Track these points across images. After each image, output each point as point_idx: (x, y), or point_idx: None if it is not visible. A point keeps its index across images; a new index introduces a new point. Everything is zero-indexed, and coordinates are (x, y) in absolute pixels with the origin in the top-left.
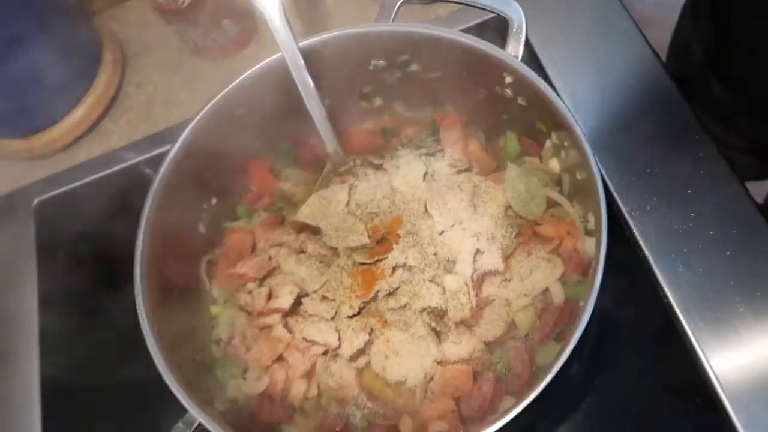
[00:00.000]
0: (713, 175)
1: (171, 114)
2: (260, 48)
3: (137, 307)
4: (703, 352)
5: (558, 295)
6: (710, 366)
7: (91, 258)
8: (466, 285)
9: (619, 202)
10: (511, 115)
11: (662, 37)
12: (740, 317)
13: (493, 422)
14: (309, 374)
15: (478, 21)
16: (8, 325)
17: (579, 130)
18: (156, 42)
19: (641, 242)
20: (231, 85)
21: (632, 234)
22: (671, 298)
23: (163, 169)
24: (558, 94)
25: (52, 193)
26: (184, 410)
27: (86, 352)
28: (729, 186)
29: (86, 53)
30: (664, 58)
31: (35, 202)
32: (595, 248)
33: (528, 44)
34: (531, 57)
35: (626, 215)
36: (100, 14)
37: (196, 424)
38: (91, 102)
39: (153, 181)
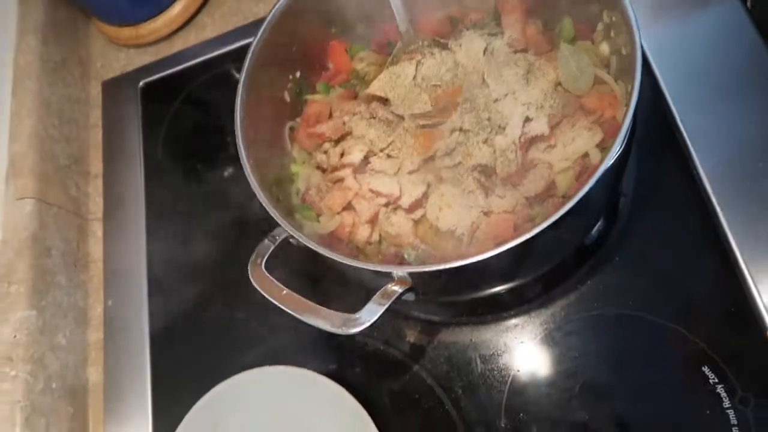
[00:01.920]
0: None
1: (258, 8)
2: None
3: (237, 146)
4: (726, 218)
5: (595, 157)
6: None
7: (189, 132)
8: (514, 144)
9: (668, 96)
10: (567, 2)
11: None
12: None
13: (529, 230)
14: (372, 221)
15: None
16: (120, 192)
17: (627, 3)
18: None
19: (680, 123)
20: None
21: (675, 122)
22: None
23: (254, 45)
24: None
25: (156, 77)
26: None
27: (188, 208)
28: None
29: None
30: None
31: (141, 83)
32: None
33: None
34: None
35: (670, 104)
36: None
37: (281, 238)
38: None
39: (247, 53)
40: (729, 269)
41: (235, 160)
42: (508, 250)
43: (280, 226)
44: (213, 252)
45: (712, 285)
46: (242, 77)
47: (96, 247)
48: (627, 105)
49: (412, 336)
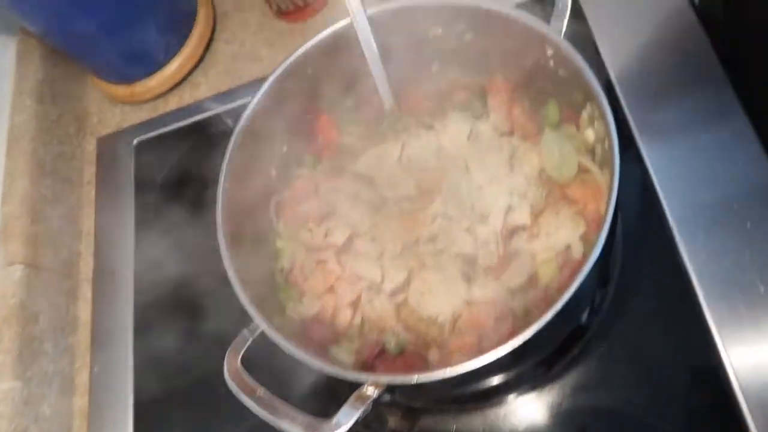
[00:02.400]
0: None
1: (253, 69)
2: (335, 12)
3: (217, 231)
4: (719, 333)
5: (577, 250)
6: (724, 346)
7: (181, 191)
8: (496, 236)
9: (651, 171)
10: (553, 85)
11: None
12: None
13: (508, 341)
14: (354, 304)
15: None
16: (110, 253)
17: (604, 99)
18: (244, 2)
19: (667, 212)
20: (304, 47)
21: (659, 202)
22: (689, 268)
23: (243, 119)
24: (602, 57)
25: (150, 135)
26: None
27: (178, 273)
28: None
29: (185, 9)
30: None
31: (135, 141)
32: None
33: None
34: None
35: (655, 182)
36: None
37: (258, 332)
38: (186, 54)
39: (235, 127)
40: (713, 364)
41: None
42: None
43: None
44: (201, 318)
45: (695, 381)
46: (224, 163)
47: (85, 309)
48: (606, 204)
49: (393, 422)
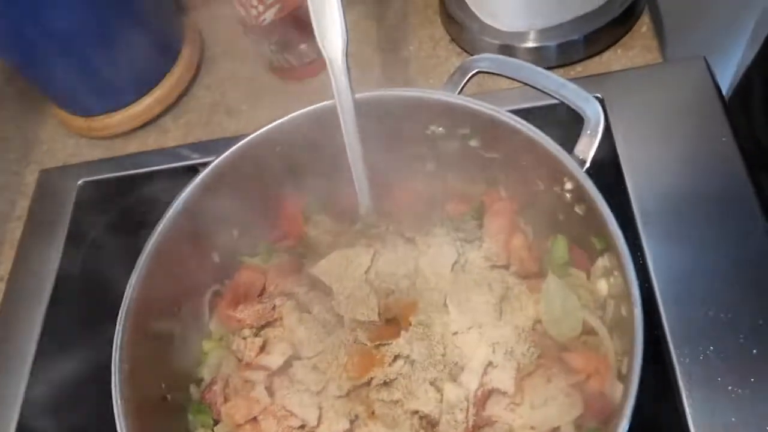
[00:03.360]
0: None
1: (229, 123)
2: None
3: (116, 333)
4: None
5: None
6: None
7: (115, 249)
8: (467, 401)
9: (670, 345)
10: (566, 218)
11: None
12: None
13: None
14: None
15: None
16: (18, 312)
17: (631, 267)
18: (236, 50)
19: (684, 397)
20: (278, 121)
21: (676, 384)
22: None
23: (189, 188)
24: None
25: (97, 177)
26: None
27: (85, 356)
28: None
29: (167, 46)
30: None
31: (80, 181)
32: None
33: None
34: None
35: (674, 361)
36: (190, 9)
37: None
38: (157, 96)
39: (178, 195)
40: None
41: None
42: None
43: None
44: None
45: None
46: (153, 236)
47: None
48: (625, 395)
49: None
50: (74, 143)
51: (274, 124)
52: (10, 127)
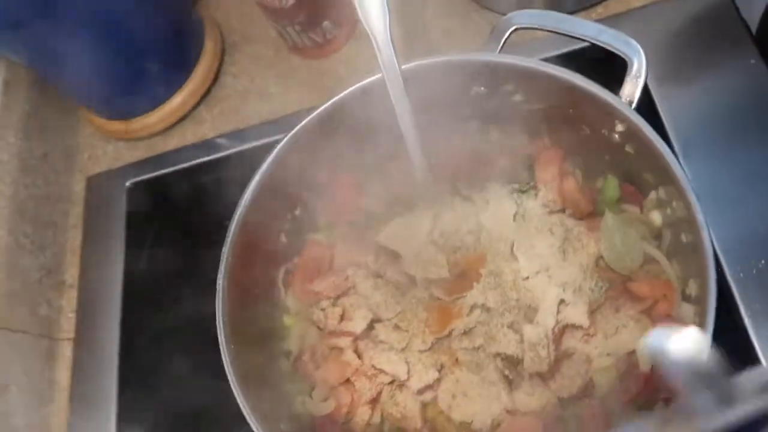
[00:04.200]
0: None
1: (262, 108)
2: (355, 51)
3: (217, 315)
4: None
5: (645, 361)
6: None
7: (178, 243)
8: (547, 338)
9: (723, 263)
10: (614, 158)
11: None
12: None
13: None
14: (374, 401)
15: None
16: (94, 309)
17: (694, 198)
18: (255, 34)
19: (742, 309)
20: (330, 101)
21: (733, 299)
22: None
23: (256, 179)
24: (669, 141)
25: (145, 177)
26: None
27: (169, 335)
28: None
29: (190, 41)
30: None
31: (128, 183)
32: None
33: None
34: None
35: (729, 278)
36: (205, 1)
37: None
38: (190, 89)
39: (246, 188)
40: None
41: None
42: None
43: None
44: (194, 391)
45: None
46: (232, 227)
47: (65, 373)
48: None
49: None
50: (114, 148)
51: (328, 103)
52: (50, 140)
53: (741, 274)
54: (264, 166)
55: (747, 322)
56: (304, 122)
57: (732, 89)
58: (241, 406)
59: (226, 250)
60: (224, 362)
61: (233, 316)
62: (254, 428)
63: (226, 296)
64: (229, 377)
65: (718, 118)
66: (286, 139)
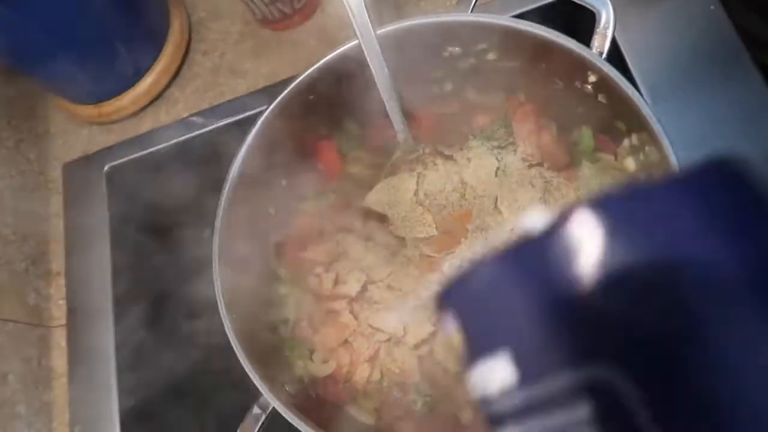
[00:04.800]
0: None
1: (237, 84)
2: (324, 19)
3: (215, 287)
4: None
5: None
6: None
7: (163, 222)
8: None
9: None
10: (587, 110)
11: None
12: None
13: None
14: (372, 359)
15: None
16: (84, 293)
17: (667, 142)
18: (221, 10)
19: None
20: (309, 70)
21: None
22: None
23: (242, 152)
24: (638, 89)
25: (123, 160)
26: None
27: (163, 314)
28: None
29: (156, 19)
30: None
31: (107, 167)
32: None
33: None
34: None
35: None
36: None
37: (270, 408)
38: (160, 68)
39: (231, 165)
40: None
41: None
42: None
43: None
44: (194, 368)
45: None
46: (220, 212)
47: (60, 360)
48: None
49: None
50: (87, 132)
51: (305, 74)
52: (21, 129)
53: None
54: (249, 139)
55: None
56: (286, 91)
57: (693, 36)
58: (247, 370)
59: (217, 226)
60: (227, 330)
61: (230, 291)
62: (263, 392)
63: (219, 274)
64: (233, 344)
65: (681, 65)
66: (269, 109)
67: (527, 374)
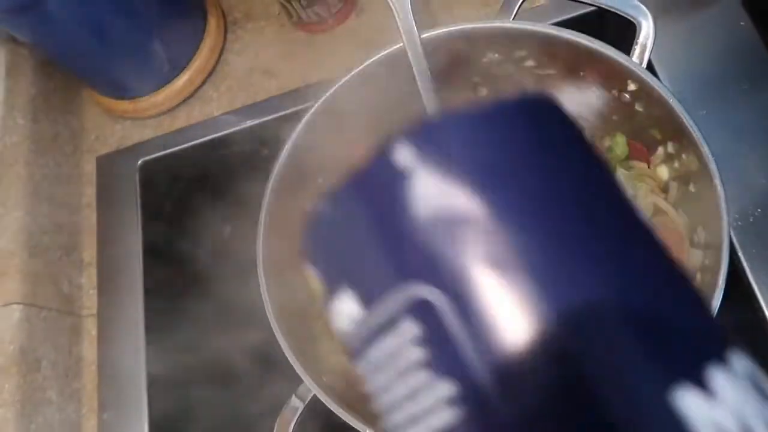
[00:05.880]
0: None
1: (270, 84)
2: (359, 23)
3: (259, 277)
4: None
5: None
6: None
7: (195, 218)
8: None
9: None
10: (621, 117)
11: None
12: None
13: None
14: None
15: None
16: (115, 284)
17: (706, 149)
18: (256, 11)
19: (740, 254)
20: (349, 75)
21: (732, 245)
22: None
23: (282, 156)
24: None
25: (156, 155)
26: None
27: (193, 306)
28: None
29: (193, 18)
30: None
31: (140, 161)
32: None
33: None
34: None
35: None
36: None
37: (310, 397)
38: (196, 67)
39: (274, 165)
40: None
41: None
42: None
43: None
44: (225, 358)
45: None
46: (263, 210)
47: (90, 349)
48: (720, 252)
49: None
50: (121, 127)
51: (350, 75)
52: (57, 124)
53: (739, 222)
54: (294, 135)
55: (745, 265)
56: (332, 89)
57: (722, 50)
58: (288, 357)
59: (262, 221)
60: (269, 318)
61: (272, 287)
62: (306, 381)
63: (265, 264)
64: (275, 331)
65: (710, 78)
66: (314, 107)
67: (366, 304)
